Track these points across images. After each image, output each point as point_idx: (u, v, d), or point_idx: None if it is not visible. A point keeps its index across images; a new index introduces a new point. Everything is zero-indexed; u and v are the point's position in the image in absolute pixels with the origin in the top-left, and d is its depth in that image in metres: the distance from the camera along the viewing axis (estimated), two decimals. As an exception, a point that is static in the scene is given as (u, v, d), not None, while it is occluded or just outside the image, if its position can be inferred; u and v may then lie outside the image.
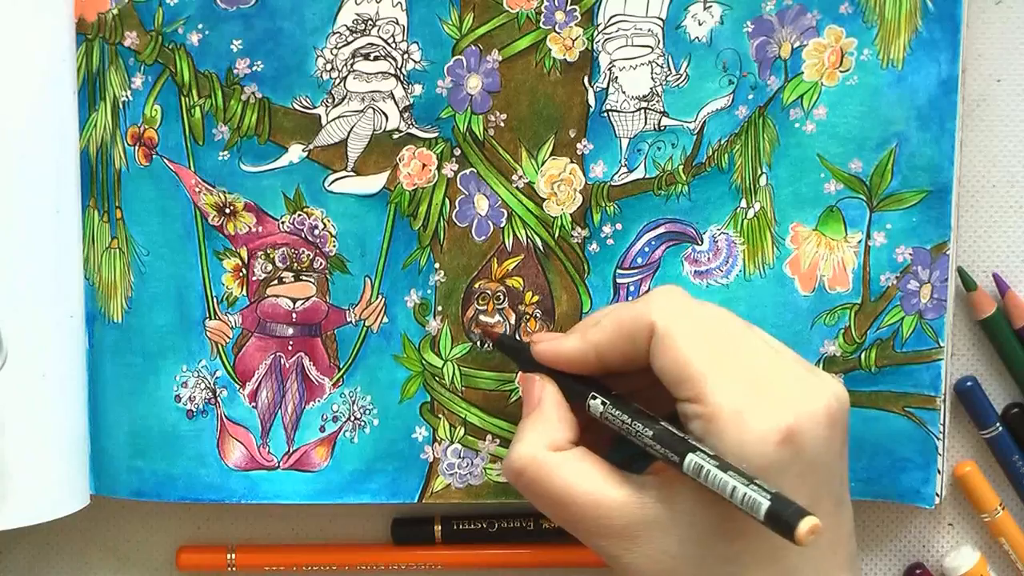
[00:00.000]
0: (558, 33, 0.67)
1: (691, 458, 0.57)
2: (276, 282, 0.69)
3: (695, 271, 0.69)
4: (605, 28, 0.67)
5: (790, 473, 0.57)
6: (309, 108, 0.68)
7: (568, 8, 0.67)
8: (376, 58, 0.67)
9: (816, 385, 0.59)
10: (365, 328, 0.69)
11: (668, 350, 0.59)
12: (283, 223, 0.68)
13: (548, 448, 0.61)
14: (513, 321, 0.69)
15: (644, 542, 0.59)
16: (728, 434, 0.57)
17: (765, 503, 0.55)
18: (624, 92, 0.68)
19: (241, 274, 0.69)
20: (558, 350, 0.63)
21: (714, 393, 0.58)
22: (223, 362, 0.69)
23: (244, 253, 0.68)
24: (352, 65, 0.67)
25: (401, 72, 0.68)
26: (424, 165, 0.68)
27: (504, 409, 0.69)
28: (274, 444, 0.69)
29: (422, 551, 0.72)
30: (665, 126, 0.68)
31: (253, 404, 0.69)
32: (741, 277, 0.68)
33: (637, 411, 0.61)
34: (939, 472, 0.68)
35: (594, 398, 0.62)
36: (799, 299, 0.68)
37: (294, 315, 0.69)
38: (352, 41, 0.67)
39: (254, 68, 0.67)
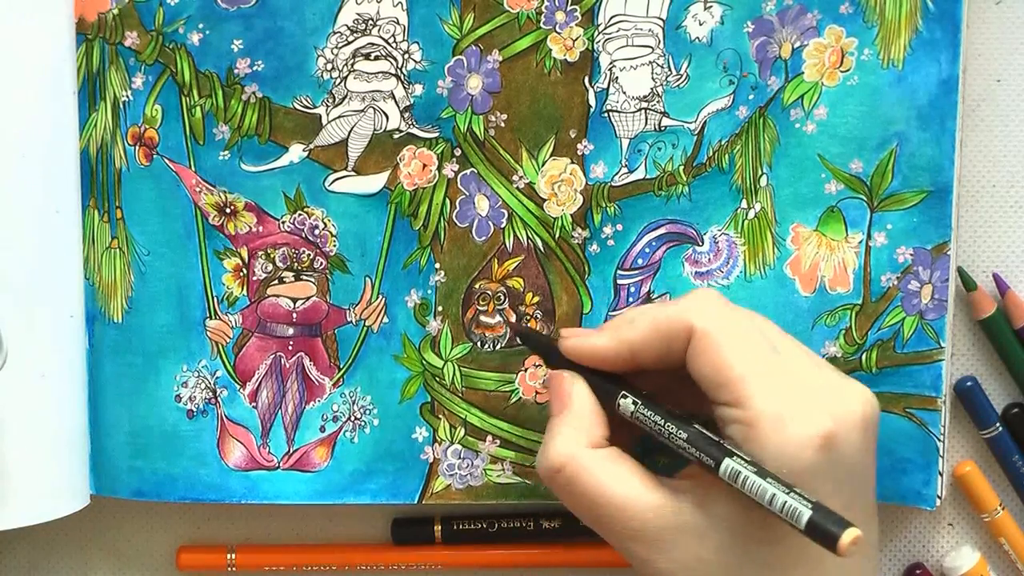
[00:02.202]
0: (558, 33, 0.67)
1: (728, 463, 0.56)
2: (276, 282, 0.69)
3: (696, 272, 0.68)
4: (605, 28, 0.67)
5: (827, 479, 0.57)
6: (310, 108, 0.68)
7: (568, 8, 0.67)
8: (377, 58, 0.67)
9: (851, 391, 0.59)
10: (365, 328, 0.69)
11: (707, 353, 0.59)
12: (283, 223, 0.68)
13: (587, 446, 0.61)
14: (513, 322, 0.69)
15: (677, 548, 0.59)
16: (769, 439, 0.57)
17: (807, 512, 0.54)
18: (624, 92, 0.68)
19: (241, 274, 0.69)
20: (592, 347, 0.63)
21: (755, 397, 0.57)
22: (223, 362, 0.69)
23: (244, 253, 0.68)
24: (353, 65, 0.67)
25: (402, 72, 0.67)
26: (424, 165, 0.68)
27: (504, 410, 0.69)
28: (274, 444, 0.69)
29: (422, 551, 0.72)
30: (666, 126, 0.68)
31: (253, 404, 0.69)
32: (742, 278, 0.68)
33: (669, 412, 0.60)
34: (940, 474, 0.68)
35: (624, 397, 0.61)
36: (800, 300, 0.68)
37: (294, 315, 0.69)
38: (353, 41, 0.67)
39: (255, 68, 0.67)
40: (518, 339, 0.68)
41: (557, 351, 0.64)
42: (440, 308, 0.69)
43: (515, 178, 0.68)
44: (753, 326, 0.60)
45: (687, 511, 0.59)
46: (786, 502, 0.55)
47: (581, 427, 0.61)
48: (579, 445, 0.61)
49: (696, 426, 0.59)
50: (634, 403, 0.61)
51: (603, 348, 0.62)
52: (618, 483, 0.60)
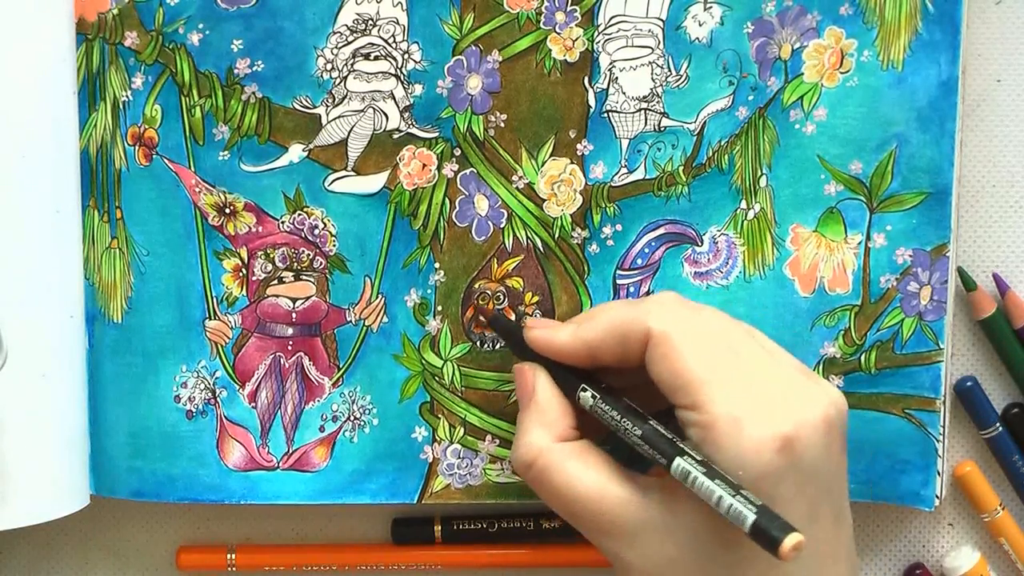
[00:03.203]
0: (558, 34, 0.67)
1: (679, 462, 0.57)
2: (276, 282, 0.69)
3: (695, 272, 0.69)
4: (605, 29, 0.67)
5: (788, 482, 0.57)
6: (309, 108, 0.68)
7: (568, 9, 0.67)
8: (376, 58, 0.67)
9: (814, 392, 0.59)
10: (365, 328, 0.69)
11: (665, 358, 0.59)
12: (283, 223, 0.68)
13: (554, 440, 0.61)
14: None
15: (644, 543, 0.59)
16: (725, 442, 0.57)
17: (751, 516, 0.54)
18: (624, 93, 0.68)
19: (241, 274, 0.69)
20: (550, 340, 0.63)
21: (712, 401, 0.57)
22: (223, 362, 0.69)
23: (244, 253, 0.68)
24: (352, 65, 0.67)
25: (401, 72, 0.67)
26: (424, 165, 0.68)
27: (504, 409, 0.69)
28: (274, 444, 0.69)
29: (422, 551, 0.72)
30: (665, 127, 0.68)
31: (253, 404, 0.69)
32: (741, 278, 0.68)
33: (627, 408, 0.60)
34: (939, 474, 0.68)
35: (584, 390, 0.62)
36: (799, 300, 0.68)
37: (294, 315, 0.69)
38: (352, 41, 0.67)
39: (254, 68, 0.67)
40: (489, 324, 0.68)
41: (523, 339, 0.64)
42: (440, 308, 0.69)
43: (515, 178, 0.68)
44: (712, 328, 0.60)
45: (654, 507, 0.59)
46: (732, 504, 0.55)
47: (545, 421, 0.62)
48: (546, 439, 0.61)
49: (652, 423, 0.59)
50: (593, 396, 0.61)
51: (560, 343, 0.63)
52: (586, 478, 0.60)
